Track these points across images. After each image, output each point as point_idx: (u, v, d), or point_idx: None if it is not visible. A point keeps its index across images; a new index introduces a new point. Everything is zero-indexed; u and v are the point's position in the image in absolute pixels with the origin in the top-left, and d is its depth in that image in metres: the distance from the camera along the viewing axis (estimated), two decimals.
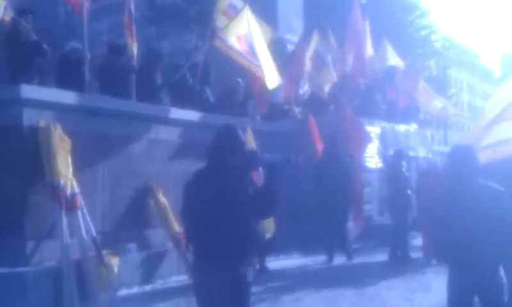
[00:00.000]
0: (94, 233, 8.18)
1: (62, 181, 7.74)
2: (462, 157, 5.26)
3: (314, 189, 11.99)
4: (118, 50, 10.56)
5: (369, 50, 16.81)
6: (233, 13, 12.11)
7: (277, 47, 15.32)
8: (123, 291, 8.51)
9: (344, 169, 11.98)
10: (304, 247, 12.05)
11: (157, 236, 9.73)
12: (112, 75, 10.12)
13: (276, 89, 13.64)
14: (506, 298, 5.18)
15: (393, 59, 17.53)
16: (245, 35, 11.74)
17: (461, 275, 5.16)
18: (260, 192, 4.56)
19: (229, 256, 4.41)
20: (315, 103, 15.05)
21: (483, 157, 7.35)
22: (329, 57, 15.67)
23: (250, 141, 9.28)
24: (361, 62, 15.50)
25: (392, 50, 17.60)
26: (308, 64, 14.83)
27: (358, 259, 11.97)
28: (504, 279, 5.17)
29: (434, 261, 11.19)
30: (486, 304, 5.21)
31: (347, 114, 12.74)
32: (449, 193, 5.29)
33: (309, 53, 15.06)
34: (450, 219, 5.11)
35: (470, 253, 4.95)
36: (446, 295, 5.44)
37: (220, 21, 11.95)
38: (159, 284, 9.21)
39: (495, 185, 5.16)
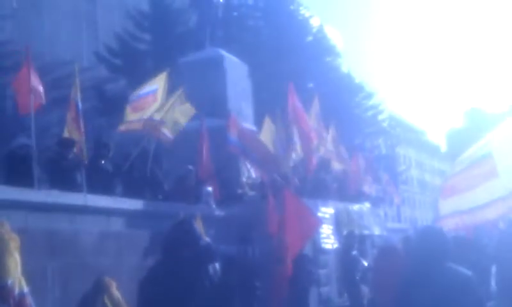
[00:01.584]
0: None
1: (10, 281, 7.42)
2: (434, 240, 4.88)
3: None
4: (67, 143, 10.46)
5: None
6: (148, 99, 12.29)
7: None
8: None
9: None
10: None
11: None
12: (62, 169, 9.99)
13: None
14: None
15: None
16: None
17: None
18: (217, 286, 4.46)
19: None
20: (268, 187, 15.10)
21: (450, 224, 7.44)
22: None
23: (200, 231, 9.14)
24: (308, 146, 15.79)
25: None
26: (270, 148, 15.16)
27: None
28: None
29: None
30: None
31: (292, 199, 12.65)
32: (417, 277, 4.86)
33: (268, 136, 15.39)
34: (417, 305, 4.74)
35: None
36: None
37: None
38: None
39: (466, 271, 4.83)
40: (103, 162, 11.28)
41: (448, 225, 7.62)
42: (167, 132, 12.16)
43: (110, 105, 17.80)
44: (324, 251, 14.79)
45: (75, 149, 10.23)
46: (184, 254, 4.40)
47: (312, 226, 12.64)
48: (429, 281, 4.68)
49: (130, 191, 11.23)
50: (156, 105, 12.21)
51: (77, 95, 10.22)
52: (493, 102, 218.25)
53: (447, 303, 4.56)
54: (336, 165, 18.03)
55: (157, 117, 12.10)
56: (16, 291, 7.47)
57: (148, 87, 12.45)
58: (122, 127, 11.93)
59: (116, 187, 11.37)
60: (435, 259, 4.75)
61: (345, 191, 18.03)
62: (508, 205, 7.17)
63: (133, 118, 12.05)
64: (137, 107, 12.13)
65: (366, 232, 16.92)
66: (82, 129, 10.34)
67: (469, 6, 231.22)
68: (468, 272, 4.82)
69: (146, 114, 12.07)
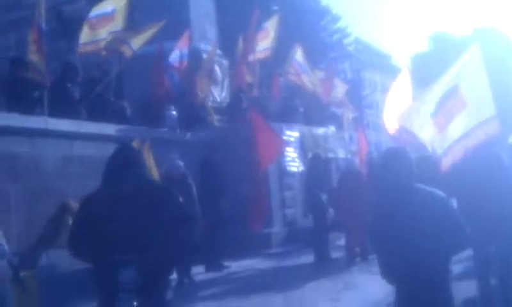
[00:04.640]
0: (10, 255, 7.81)
1: None
2: (400, 160, 4.72)
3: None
4: (24, 64, 10.17)
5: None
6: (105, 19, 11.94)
7: (193, 57, 15.26)
8: None
9: (221, 177, 11.59)
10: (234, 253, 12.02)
11: None
12: (20, 91, 9.73)
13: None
14: None
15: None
16: None
17: (409, 293, 4.58)
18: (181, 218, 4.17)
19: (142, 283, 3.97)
20: (234, 111, 15.06)
21: (449, 160, 7.46)
22: None
23: (148, 159, 8.97)
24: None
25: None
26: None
27: (285, 263, 12.02)
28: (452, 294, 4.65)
29: (358, 260, 11.39)
30: None
31: (258, 121, 12.65)
32: (388, 198, 4.78)
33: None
34: (390, 230, 4.60)
35: (417, 267, 4.45)
36: None
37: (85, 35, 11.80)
38: (80, 305, 8.85)
39: (437, 190, 4.68)
40: (69, 85, 11.02)
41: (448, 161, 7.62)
42: (127, 48, 11.87)
43: (69, 27, 17.23)
44: (290, 174, 14.97)
45: (29, 71, 9.95)
46: (121, 186, 4.08)
47: (277, 147, 12.75)
48: (400, 200, 4.59)
49: (93, 116, 11.06)
50: (112, 25, 11.83)
51: (40, 16, 9.91)
52: (457, 25, 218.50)
53: (422, 221, 4.43)
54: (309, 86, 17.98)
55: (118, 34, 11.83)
56: None
57: (104, 8, 12.06)
58: (81, 49, 11.60)
59: (81, 112, 11.17)
60: (403, 177, 4.64)
61: (312, 114, 18.06)
62: (482, 133, 7.21)
63: (90, 38, 11.70)
64: (94, 26, 11.78)
65: (331, 155, 17.09)
66: (44, 51, 10.07)
67: None
68: (441, 192, 4.65)
69: (102, 34, 11.73)
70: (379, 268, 4.80)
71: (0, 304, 7.40)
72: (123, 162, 4.21)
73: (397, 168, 4.68)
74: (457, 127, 7.38)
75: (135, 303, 3.89)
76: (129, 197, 4.06)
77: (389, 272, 4.72)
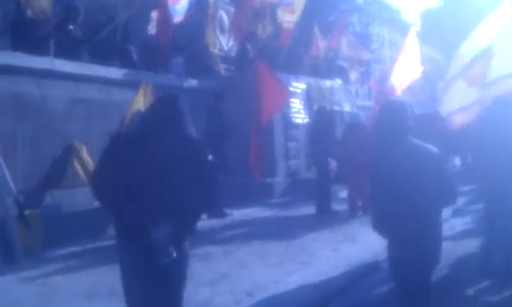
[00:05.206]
0: (16, 193, 7.91)
1: None
2: (395, 113, 4.70)
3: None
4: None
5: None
6: None
7: (200, 3, 15.05)
8: (48, 252, 8.23)
9: (225, 126, 11.55)
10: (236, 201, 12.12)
11: (81, 194, 9.44)
12: (26, 31, 9.66)
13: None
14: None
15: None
16: None
17: (399, 245, 4.66)
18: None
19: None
20: (240, 60, 14.96)
21: (459, 119, 7.40)
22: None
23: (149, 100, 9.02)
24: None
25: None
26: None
27: (287, 213, 12.12)
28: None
29: (359, 213, 11.46)
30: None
31: (263, 70, 12.53)
32: (382, 151, 4.79)
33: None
34: (384, 184, 4.64)
35: (406, 218, 4.49)
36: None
37: None
38: (85, 244, 8.98)
39: (431, 147, 4.67)
40: (71, 27, 10.92)
41: (457, 121, 7.54)
42: None
43: None
44: (295, 125, 14.98)
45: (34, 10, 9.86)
46: (159, 137, 3.96)
47: (281, 98, 12.69)
48: (393, 153, 4.59)
49: (99, 59, 10.99)
50: None
51: None
52: None
53: (410, 175, 4.46)
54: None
55: None
56: None
57: None
58: None
59: (83, 54, 11.09)
60: (397, 131, 4.63)
61: (318, 67, 17.93)
62: (500, 88, 7.09)
63: None
64: None
65: (336, 108, 17.07)
66: None
67: None
68: (435, 149, 4.65)
69: None
70: (372, 219, 4.85)
71: (5, 240, 7.54)
72: (170, 112, 4.06)
73: (391, 120, 4.68)
74: (479, 79, 7.26)
75: (174, 254, 3.88)
76: (167, 148, 3.95)
77: (380, 223, 4.76)
